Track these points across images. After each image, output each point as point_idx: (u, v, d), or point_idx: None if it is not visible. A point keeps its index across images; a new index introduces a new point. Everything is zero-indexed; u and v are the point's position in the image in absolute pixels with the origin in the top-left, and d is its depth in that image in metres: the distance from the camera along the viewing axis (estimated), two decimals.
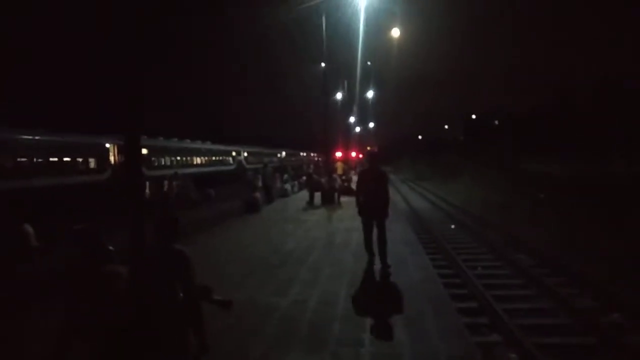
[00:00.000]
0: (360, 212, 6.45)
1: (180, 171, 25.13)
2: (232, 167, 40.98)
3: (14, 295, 5.64)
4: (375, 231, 6.33)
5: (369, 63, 34.10)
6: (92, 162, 20.90)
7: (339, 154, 32.49)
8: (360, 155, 50.41)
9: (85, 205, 14.76)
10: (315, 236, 8.99)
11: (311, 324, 4.21)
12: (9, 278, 6.97)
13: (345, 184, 17.09)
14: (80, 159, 20.09)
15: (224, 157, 40.42)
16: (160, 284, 2.99)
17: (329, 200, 14.83)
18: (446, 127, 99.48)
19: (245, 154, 45.64)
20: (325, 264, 6.62)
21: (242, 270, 6.32)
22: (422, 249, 8.35)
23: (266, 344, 3.80)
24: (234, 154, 42.80)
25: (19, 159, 16.12)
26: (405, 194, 27.14)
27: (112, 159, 22.15)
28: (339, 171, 21.34)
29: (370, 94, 44.31)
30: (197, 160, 34.39)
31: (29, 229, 10.30)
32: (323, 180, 16.02)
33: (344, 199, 15.03)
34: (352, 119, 43.85)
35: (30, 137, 17.31)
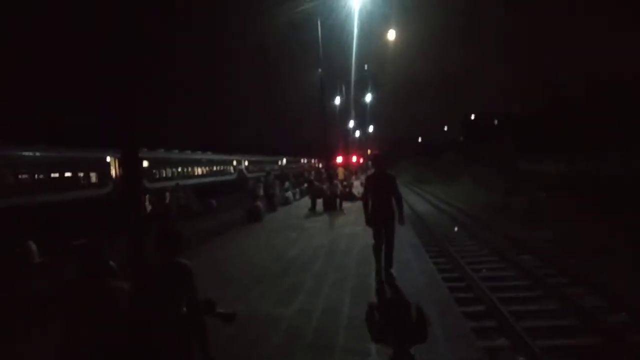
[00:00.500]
0: (368, 222, 5.90)
1: (182, 182, 25.20)
2: (233, 177, 41.02)
3: (16, 312, 5.63)
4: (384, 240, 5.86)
5: (365, 67, 34.19)
6: (93, 177, 20.94)
7: (339, 159, 32.51)
8: (361, 160, 50.37)
9: (87, 220, 14.77)
10: (319, 243, 8.95)
11: (316, 333, 4.17)
12: (11, 295, 6.97)
13: (347, 190, 17.07)
14: (81, 174, 20.13)
15: (225, 167, 40.48)
16: (163, 298, 2.97)
17: (331, 207, 14.80)
18: (445, 128, 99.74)
19: (246, 163, 45.70)
20: (329, 270, 6.58)
21: (245, 281, 6.29)
22: (426, 252, 8.33)
23: (271, 355, 3.76)
24: (234, 163, 42.87)
25: (20, 176, 16.15)
26: (406, 197, 27.07)
27: (113, 172, 22.18)
28: (340, 176, 21.34)
29: (368, 97, 44.45)
30: (198, 170, 34.45)
31: (32, 245, 10.33)
32: (324, 186, 16.01)
33: (345, 204, 15.01)
34: (351, 124, 43.88)
35: (31, 153, 17.38)
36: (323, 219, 12.98)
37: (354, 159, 42.09)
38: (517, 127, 45.95)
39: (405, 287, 5.46)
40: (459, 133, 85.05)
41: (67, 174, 19.11)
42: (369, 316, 3.71)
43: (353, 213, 13.19)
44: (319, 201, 15.26)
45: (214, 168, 37.70)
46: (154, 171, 26.84)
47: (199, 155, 36.33)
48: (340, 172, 23.66)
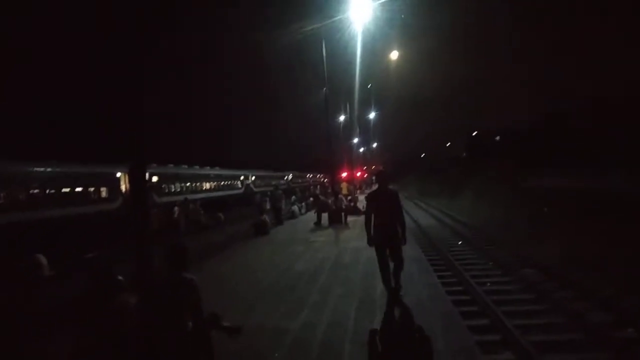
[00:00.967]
0: (369, 242, 5.66)
1: (190, 197, 25.44)
2: (240, 191, 41.28)
3: (26, 326, 5.76)
4: (390, 257, 5.66)
5: (369, 86, 34.53)
6: (103, 192, 21.23)
7: (344, 175, 32.65)
8: (365, 175, 50.50)
9: (98, 234, 14.98)
10: (324, 257, 9.05)
11: (322, 347, 4.25)
12: (20, 308, 7.11)
13: (352, 204, 17.17)
14: (91, 189, 20.42)
15: (233, 182, 40.78)
16: (169, 312, 3.08)
17: (336, 221, 14.92)
18: (448, 144, 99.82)
19: (253, 178, 46.00)
20: (335, 284, 6.67)
21: (251, 295, 6.39)
22: (430, 266, 8.38)
23: None
24: (242, 178, 43.16)
25: (31, 191, 16.45)
26: (410, 210, 27.06)
27: (123, 187, 22.47)
28: (344, 191, 21.46)
29: (372, 115, 44.86)
30: (207, 185, 34.75)
31: (42, 259, 10.49)
32: (330, 201, 16.14)
33: (350, 218, 15.10)
34: (355, 140, 44.19)
35: (42, 169, 17.70)
36: (328, 233, 13.07)
37: (359, 174, 42.25)
38: (519, 142, 46.00)
39: (409, 301, 5.53)
40: (462, 149, 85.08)
41: (78, 189, 19.41)
42: (371, 343, 3.79)
43: (358, 227, 13.27)
44: (325, 215, 15.39)
45: (222, 183, 38.00)
46: (163, 186, 27.13)
47: (207, 171, 36.69)
48: (344, 186, 23.76)
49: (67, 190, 18.57)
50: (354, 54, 21.65)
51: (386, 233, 5.57)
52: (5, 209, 14.82)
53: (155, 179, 25.95)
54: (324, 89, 17.85)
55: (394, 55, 25.66)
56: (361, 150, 53.61)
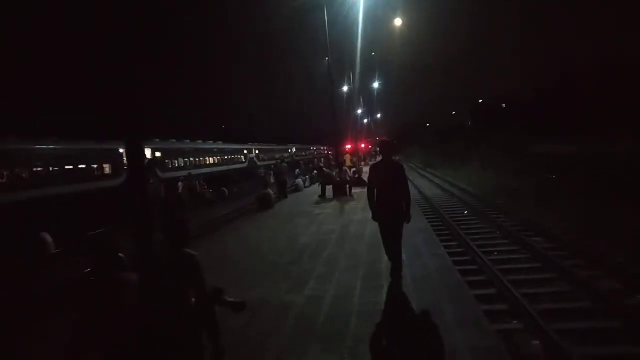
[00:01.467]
0: (374, 217, 5.35)
1: (194, 172, 25.42)
2: (244, 165, 41.22)
3: (31, 303, 5.76)
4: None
5: (373, 54, 33.73)
6: (106, 168, 21.20)
7: (348, 147, 32.42)
8: (370, 147, 50.17)
9: (101, 211, 14.99)
10: (329, 229, 8.97)
11: (328, 320, 4.19)
12: (27, 286, 7.14)
13: (356, 176, 17.03)
14: (95, 166, 20.39)
15: (236, 156, 40.66)
16: (171, 289, 3.00)
17: (340, 193, 14.82)
18: (454, 113, 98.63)
19: (257, 152, 45.84)
20: (340, 257, 6.61)
21: (256, 268, 6.35)
22: (436, 236, 8.30)
23: (283, 343, 3.80)
24: (245, 152, 43.01)
25: (35, 169, 16.41)
26: (415, 181, 26.94)
27: (126, 163, 22.42)
28: (347, 163, 21.30)
29: (376, 84, 44.12)
30: (210, 160, 34.66)
31: (47, 237, 10.54)
32: (334, 173, 16.00)
33: (355, 190, 14.99)
34: (359, 111, 43.65)
35: (45, 146, 17.61)
36: (333, 206, 12.99)
37: (363, 145, 41.96)
38: (526, 110, 45.34)
39: (416, 273, 5.45)
40: (467, 117, 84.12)
41: (81, 166, 19.37)
42: (374, 341, 3.68)
43: (363, 199, 13.14)
44: (329, 188, 15.28)
45: (225, 157, 37.89)
46: (166, 161, 27.07)
47: (210, 145, 36.52)
48: (347, 158, 23.57)
49: (71, 167, 18.52)
50: (357, 22, 20.99)
51: (390, 208, 5.18)
52: (9, 188, 14.81)
53: (158, 154, 25.86)
54: (327, 58, 17.37)
55: (398, 22, 24.92)
56: (365, 121, 53.09)
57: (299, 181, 20.59)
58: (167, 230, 3.07)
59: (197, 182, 21.60)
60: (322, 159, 35.45)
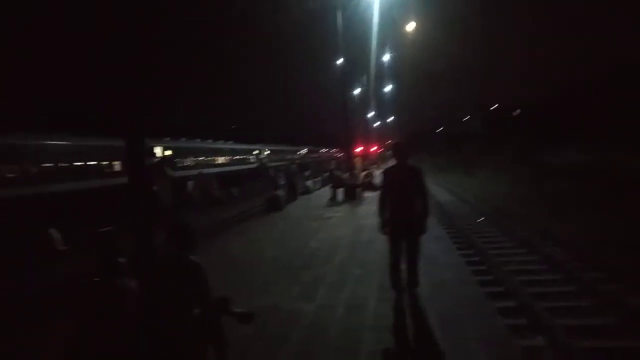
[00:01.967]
0: (383, 229, 4.69)
1: (204, 171, 25.32)
2: (254, 166, 41.14)
3: (36, 302, 5.61)
4: (406, 250, 4.68)
5: (388, 55, 33.31)
6: (116, 165, 21.17)
7: (359, 150, 32.18)
8: (381, 150, 49.85)
9: (111, 208, 14.88)
10: (340, 234, 8.73)
11: (340, 332, 3.94)
12: (27, 285, 7.00)
13: (367, 180, 16.76)
14: (105, 162, 20.35)
15: (247, 156, 40.60)
16: (173, 298, 2.77)
17: (351, 196, 14.57)
18: (468, 117, 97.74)
19: (267, 153, 45.77)
20: (352, 264, 6.36)
21: (265, 274, 6.13)
22: (452, 244, 8.02)
23: (292, 355, 3.56)
24: (256, 152, 42.96)
25: (44, 165, 16.39)
26: (428, 187, 26.61)
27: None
28: (358, 166, 21.05)
29: (388, 87, 43.84)
30: (221, 160, 34.59)
31: (55, 233, 10.44)
32: (345, 176, 15.76)
33: (367, 194, 14.73)
34: (371, 114, 43.40)
35: (55, 142, 17.61)
36: (344, 209, 12.74)
37: (374, 148, 41.68)
38: (538, 117, 44.68)
39: (431, 283, 5.17)
40: (479, 123, 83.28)
41: (91, 163, 19.34)
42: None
43: (374, 203, 12.87)
44: (340, 191, 15.05)
45: (236, 157, 37.83)
46: (176, 160, 27.02)
47: (220, 145, 36.48)
48: (357, 161, 23.29)
49: (81, 163, 18.50)
50: (371, 26, 20.76)
51: (404, 220, 4.52)
52: (19, 183, 14.79)
53: (168, 152, 25.83)
54: (341, 60, 17.15)
55: (411, 26, 24.67)
56: (376, 124, 52.79)
57: (309, 183, 20.38)
58: (171, 236, 2.85)
59: (210, 181, 21.49)
60: (333, 161, 35.25)
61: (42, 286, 6.61)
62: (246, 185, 28.28)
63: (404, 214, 4.54)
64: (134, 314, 2.69)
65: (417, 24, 23.72)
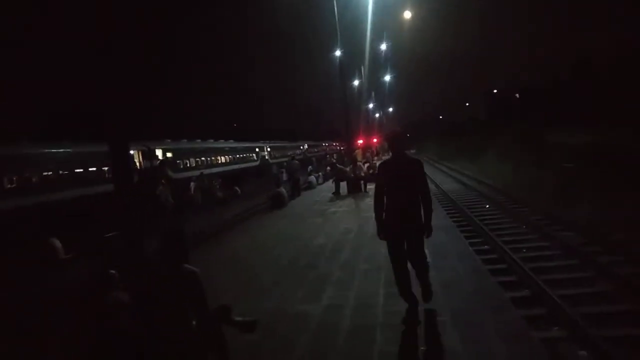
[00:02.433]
0: (381, 232, 4.07)
1: (206, 171, 25.15)
2: (256, 163, 40.95)
3: (38, 312, 5.45)
4: (408, 255, 4.05)
5: (383, 46, 32.96)
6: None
7: (360, 142, 31.94)
8: (382, 141, 49.62)
9: (112, 214, 14.75)
10: (346, 229, 8.54)
11: (349, 333, 3.75)
12: (34, 294, 6.85)
13: (371, 171, 16.54)
14: (105, 168, 20.20)
15: (248, 154, 40.38)
16: (169, 311, 2.58)
17: (355, 189, 14.36)
18: (467, 104, 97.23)
19: (269, 149, 45.54)
20: (359, 259, 6.16)
21: (270, 274, 5.94)
22: (460, 233, 7.82)
23: None
24: (257, 150, 42.74)
25: (44, 173, 16.24)
26: (432, 175, 26.35)
27: (138, 164, 22.23)
28: (359, 158, 20.84)
29: (387, 77, 43.48)
30: (222, 159, 34.39)
31: (57, 242, 10.28)
32: (348, 168, 15.54)
33: (370, 186, 14.52)
34: (371, 105, 43.10)
35: (55, 150, 17.47)
36: (348, 203, 12.54)
37: (375, 140, 41.44)
38: (542, 99, 44.24)
39: (443, 277, 4.96)
40: (481, 109, 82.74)
41: (92, 169, 19.19)
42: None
43: None
44: (343, 184, 14.83)
45: (237, 155, 37.62)
46: (177, 161, 26.87)
47: (221, 144, 36.29)
48: (359, 153, 23.08)
49: (81, 170, 18.35)
50: (367, 12, 20.46)
51: (403, 220, 3.94)
52: (19, 192, 14.66)
53: (169, 154, 25.69)
54: (338, 51, 16.89)
55: (407, 14, 24.36)
56: (377, 115, 52.48)
57: (312, 178, 20.17)
58: (164, 243, 2.65)
59: (213, 180, 21.33)
60: (335, 155, 35.02)
61: (42, 298, 6.45)
62: (249, 183, 28.11)
63: (403, 211, 3.93)
64: (126, 328, 2.51)
65: (413, 13, 23.40)
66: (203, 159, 30.67)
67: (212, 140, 35.61)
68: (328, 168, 22.45)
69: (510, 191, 14.96)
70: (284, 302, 4.70)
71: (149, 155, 23.40)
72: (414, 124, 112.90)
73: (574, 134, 25.98)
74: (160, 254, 2.62)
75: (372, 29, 24.86)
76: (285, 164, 20.13)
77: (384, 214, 4.02)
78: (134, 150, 22.14)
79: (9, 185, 14.46)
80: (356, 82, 35.42)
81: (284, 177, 19.88)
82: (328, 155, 41.33)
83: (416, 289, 4.10)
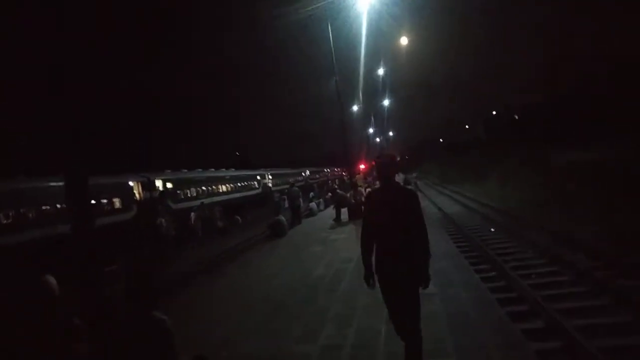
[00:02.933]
0: (370, 278, 3.36)
1: (207, 200, 24.93)
2: (257, 191, 40.78)
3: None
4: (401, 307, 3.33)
5: (381, 72, 33.29)
6: (117, 202, 20.83)
7: (362, 167, 31.85)
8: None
9: (115, 245, 14.45)
10: (346, 258, 8.23)
11: None
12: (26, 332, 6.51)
13: None
14: (105, 200, 20.02)
15: (249, 182, 40.26)
16: None
17: (356, 215, 14.06)
18: (467, 127, 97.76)
19: (270, 177, 45.45)
20: (359, 291, 5.83)
21: (266, 308, 5.63)
22: (465, 260, 7.51)
23: None
24: (258, 177, 42.65)
25: (42, 207, 16.03)
26: (434, 198, 26.03)
27: (137, 196, 22.08)
28: (359, 183, 20.65)
29: (386, 102, 43.82)
30: (223, 187, 34.22)
31: (52, 279, 9.99)
32: (348, 194, 15.31)
33: None
34: (371, 130, 43.26)
35: (53, 184, 17.32)
36: (349, 230, 12.24)
37: (362, 166, 41.43)
38: (542, 118, 44.25)
39: (447, 308, 4.65)
40: (481, 130, 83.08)
41: (91, 202, 19.00)
42: None
43: None
44: (344, 210, 14.56)
45: (238, 184, 37.46)
46: (178, 192, 26.70)
47: (222, 173, 36.21)
48: (359, 178, 22.91)
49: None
50: (361, 40, 20.73)
51: (397, 263, 3.22)
52: (16, 228, 14.44)
53: (169, 185, 25.57)
54: (335, 78, 16.95)
55: (404, 40, 24.69)
56: (378, 140, 52.63)
57: (313, 205, 19.92)
58: (128, 285, 2.38)
59: (213, 210, 21.10)
60: (336, 181, 34.86)
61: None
62: (250, 212, 27.83)
63: (396, 254, 3.23)
64: None
65: (410, 39, 23.70)
66: (204, 188, 30.51)
67: (213, 170, 35.56)
68: (329, 194, 22.22)
69: (516, 213, 14.62)
70: (278, 342, 4.38)
71: (149, 186, 23.27)
72: (416, 147, 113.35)
73: (579, 150, 25.80)
74: (125, 298, 2.35)
75: (372, 56, 25.24)
76: (286, 190, 19.87)
77: (373, 258, 3.30)
78: (133, 181, 22.04)
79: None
80: (355, 108, 35.56)
81: (286, 204, 19.63)
82: (330, 181, 41.12)
83: None
